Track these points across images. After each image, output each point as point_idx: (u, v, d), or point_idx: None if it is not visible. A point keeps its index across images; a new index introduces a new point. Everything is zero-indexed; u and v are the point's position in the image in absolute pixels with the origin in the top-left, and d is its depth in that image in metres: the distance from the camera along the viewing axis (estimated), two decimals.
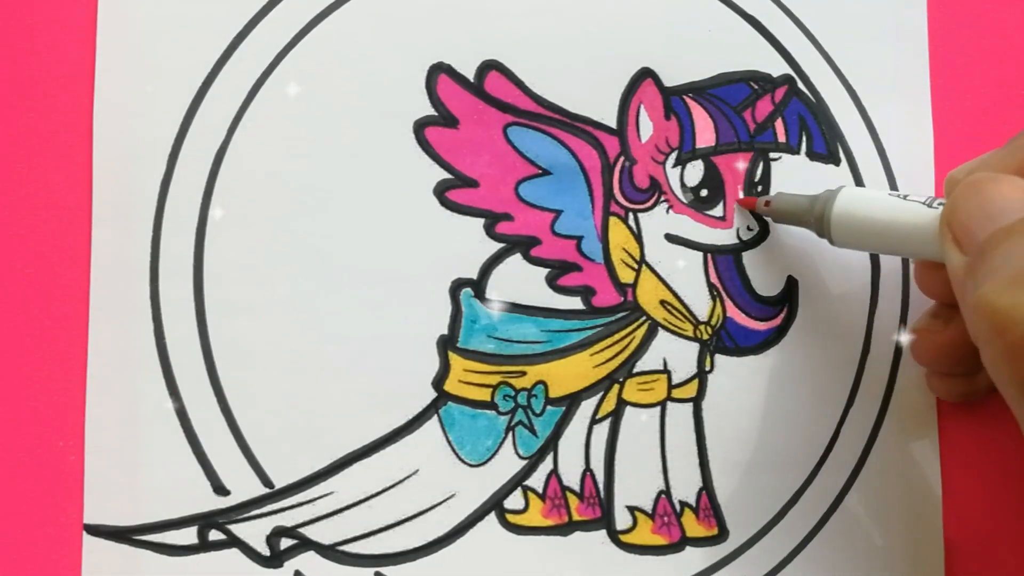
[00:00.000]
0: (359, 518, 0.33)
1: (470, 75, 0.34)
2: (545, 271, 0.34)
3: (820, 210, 0.32)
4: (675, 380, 0.34)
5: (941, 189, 0.36)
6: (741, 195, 0.35)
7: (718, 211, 0.35)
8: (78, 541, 0.31)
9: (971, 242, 0.27)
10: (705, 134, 0.35)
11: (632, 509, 0.34)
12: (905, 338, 0.35)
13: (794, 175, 0.35)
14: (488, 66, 0.34)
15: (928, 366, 0.34)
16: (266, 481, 0.32)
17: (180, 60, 0.33)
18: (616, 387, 0.34)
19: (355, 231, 0.33)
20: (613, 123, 0.35)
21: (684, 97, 0.35)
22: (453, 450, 0.33)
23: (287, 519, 0.32)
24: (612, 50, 0.35)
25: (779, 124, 0.35)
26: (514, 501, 0.33)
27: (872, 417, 0.35)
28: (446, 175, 0.34)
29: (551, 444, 0.34)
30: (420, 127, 0.34)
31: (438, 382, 0.33)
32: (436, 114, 0.34)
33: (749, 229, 0.35)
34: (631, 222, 0.35)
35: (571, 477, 0.34)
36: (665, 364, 0.34)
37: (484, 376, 0.33)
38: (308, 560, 0.32)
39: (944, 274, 0.28)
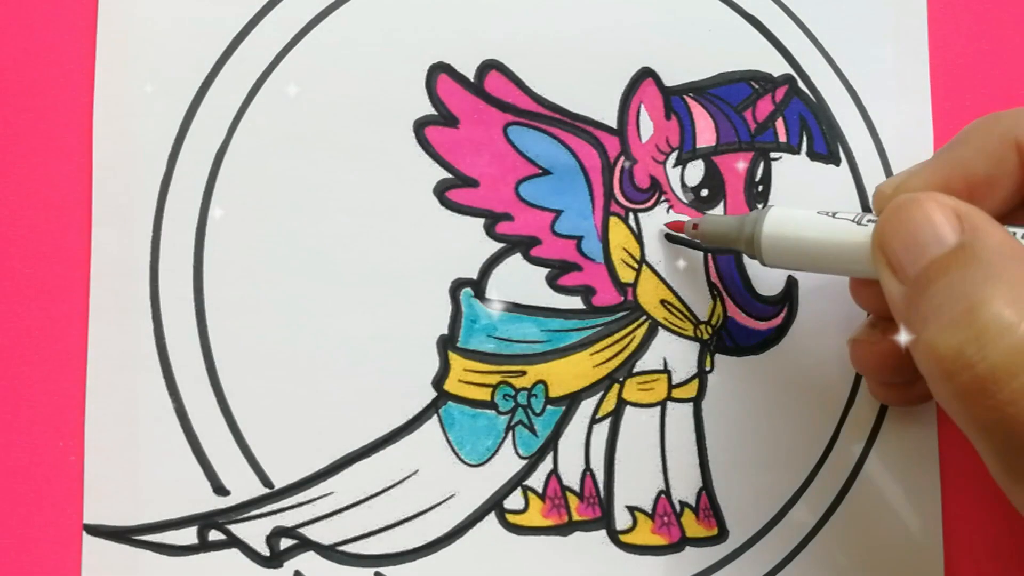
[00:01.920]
0: (359, 518, 0.33)
1: (470, 75, 0.34)
2: (545, 271, 0.34)
3: (749, 232, 0.32)
4: (675, 380, 0.34)
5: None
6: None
7: (718, 211, 0.35)
8: (78, 541, 0.31)
9: (905, 272, 0.26)
10: (705, 134, 0.35)
11: (632, 509, 0.34)
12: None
13: (794, 175, 0.35)
14: (488, 66, 0.34)
15: (868, 375, 0.34)
16: (266, 481, 0.32)
17: (180, 60, 0.33)
18: (616, 387, 0.34)
19: (355, 231, 0.33)
20: (613, 123, 0.35)
21: (684, 97, 0.35)
22: (453, 450, 0.33)
23: (287, 519, 0.32)
24: (612, 50, 0.35)
25: (780, 124, 0.35)
26: (514, 501, 0.33)
27: (872, 417, 0.35)
28: (446, 175, 0.34)
29: (551, 444, 0.34)
30: (420, 127, 0.34)
31: (438, 382, 0.33)
32: (436, 114, 0.34)
33: None
34: (631, 222, 0.35)
35: (571, 477, 0.34)
36: (665, 364, 0.34)
37: (484, 376, 0.34)
38: (308, 560, 0.32)
39: (879, 289, 0.28)
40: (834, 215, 0.30)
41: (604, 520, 0.34)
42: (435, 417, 0.33)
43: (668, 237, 0.35)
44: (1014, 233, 0.27)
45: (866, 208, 0.36)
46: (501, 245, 0.34)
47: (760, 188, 0.35)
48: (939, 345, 0.24)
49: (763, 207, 0.32)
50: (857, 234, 0.29)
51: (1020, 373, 0.23)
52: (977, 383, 0.24)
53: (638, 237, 0.34)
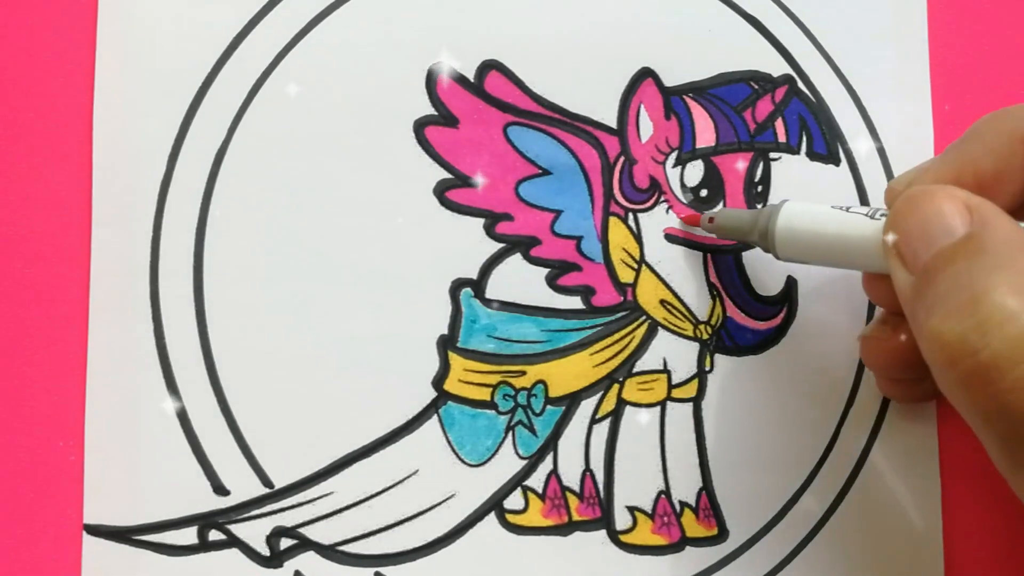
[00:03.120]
0: (359, 518, 0.33)
1: (470, 75, 0.34)
2: (545, 271, 0.34)
3: (764, 225, 0.32)
4: (675, 380, 0.34)
5: None
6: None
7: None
8: (78, 541, 0.31)
9: (914, 262, 0.27)
10: (705, 134, 0.35)
11: (632, 509, 0.34)
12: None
13: (794, 175, 0.35)
14: (488, 66, 0.34)
15: (878, 371, 0.34)
16: (266, 481, 0.32)
17: (180, 60, 0.33)
18: (616, 387, 0.34)
19: (355, 231, 0.33)
20: (613, 123, 0.35)
21: (684, 97, 0.35)
22: (453, 450, 0.33)
23: (287, 519, 0.32)
24: (612, 50, 0.35)
25: (779, 124, 0.35)
26: (514, 501, 0.33)
27: (872, 417, 0.35)
28: (446, 175, 0.34)
29: (551, 444, 0.34)
30: (420, 127, 0.34)
31: (438, 382, 0.33)
32: (436, 114, 0.34)
33: None
34: (631, 222, 0.35)
35: (571, 477, 0.34)
36: (665, 364, 0.34)
37: (484, 376, 0.34)
38: (308, 560, 0.32)
39: (892, 284, 0.28)
40: (848, 209, 0.30)
41: (604, 520, 0.34)
42: (435, 417, 0.33)
43: (668, 237, 0.35)
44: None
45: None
46: (501, 245, 0.34)
47: (760, 188, 0.35)
48: (943, 332, 0.25)
49: (778, 202, 0.32)
50: (870, 228, 0.29)
51: (1022, 362, 0.23)
52: (980, 371, 0.24)
53: (638, 237, 0.34)
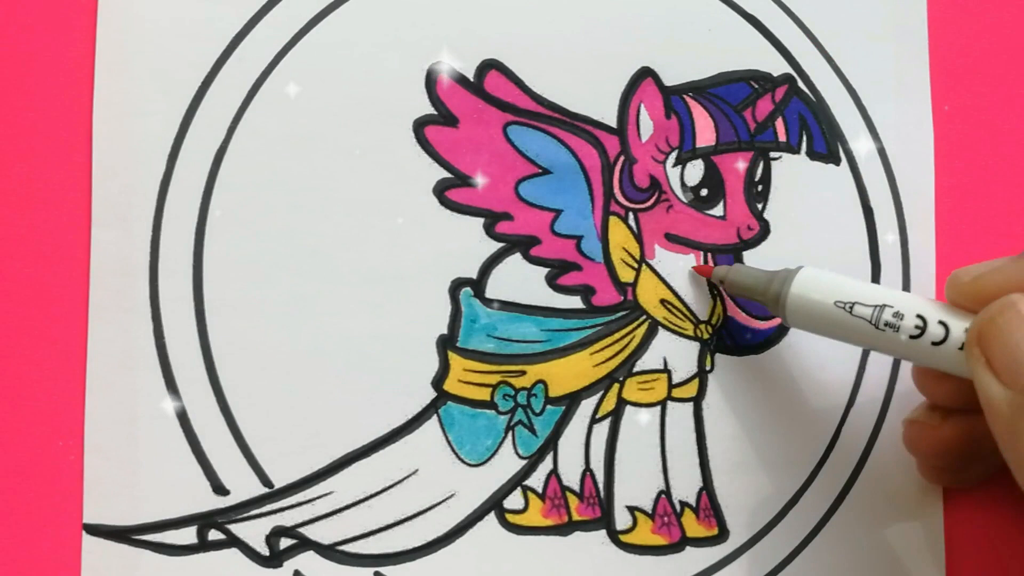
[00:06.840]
0: (359, 518, 0.33)
1: (470, 74, 0.34)
2: (545, 270, 0.34)
3: (776, 291, 0.32)
4: (675, 379, 0.34)
5: (942, 191, 0.36)
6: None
7: (718, 210, 0.35)
8: (78, 541, 0.31)
9: (1014, 379, 0.26)
10: (705, 133, 0.35)
11: (632, 509, 0.34)
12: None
13: (794, 175, 0.35)
14: (488, 65, 0.34)
15: (920, 458, 0.34)
16: (266, 481, 0.32)
17: (180, 60, 0.33)
18: (616, 386, 0.34)
19: (355, 231, 0.33)
20: (613, 122, 0.35)
21: (684, 96, 0.35)
22: (453, 450, 0.33)
23: (287, 519, 0.32)
24: (612, 49, 0.35)
25: (779, 123, 0.35)
26: (514, 501, 0.33)
27: (872, 417, 0.35)
28: (446, 175, 0.34)
29: (551, 444, 0.34)
30: (420, 126, 0.34)
31: (438, 382, 0.33)
32: (436, 113, 0.34)
33: (749, 228, 0.35)
34: (631, 221, 0.35)
35: (571, 477, 0.34)
36: (665, 363, 0.34)
37: (484, 376, 0.33)
38: (308, 560, 0.32)
39: (947, 384, 0.27)
40: (851, 309, 0.30)
41: (604, 520, 0.34)
42: (435, 417, 0.33)
43: (668, 237, 0.35)
44: None
45: (867, 207, 0.36)
46: (501, 245, 0.34)
47: (760, 188, 0.35)
48: None
49: (794, 268, 0.32)
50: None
51: None
52: None
53: (638, 237, 0.34)
